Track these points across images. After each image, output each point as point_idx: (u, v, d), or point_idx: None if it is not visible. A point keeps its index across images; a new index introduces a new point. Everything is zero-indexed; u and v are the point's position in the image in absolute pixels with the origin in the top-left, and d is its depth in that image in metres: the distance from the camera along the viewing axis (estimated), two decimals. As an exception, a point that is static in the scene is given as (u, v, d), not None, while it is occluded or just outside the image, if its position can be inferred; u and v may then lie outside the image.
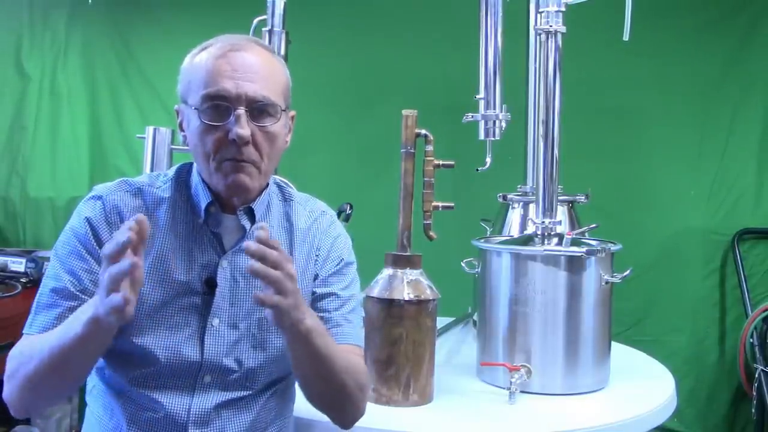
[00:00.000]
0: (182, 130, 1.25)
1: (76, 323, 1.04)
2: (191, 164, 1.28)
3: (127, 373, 1.19)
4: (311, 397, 1.24)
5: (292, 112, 1.29)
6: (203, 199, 1.22)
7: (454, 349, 2.12)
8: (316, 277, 1.31)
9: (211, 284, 1.21)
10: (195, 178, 1.26)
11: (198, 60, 1.19)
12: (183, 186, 1.27)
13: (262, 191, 1.27)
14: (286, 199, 1.35)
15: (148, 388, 1.18)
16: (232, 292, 1.23)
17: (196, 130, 1.18)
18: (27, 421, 2.83)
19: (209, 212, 1.23)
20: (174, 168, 1.30)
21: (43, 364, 1.08)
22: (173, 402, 1.18)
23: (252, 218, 1.25)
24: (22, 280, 2.75)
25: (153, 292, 1.19)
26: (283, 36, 2.08)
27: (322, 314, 1.28)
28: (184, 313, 1.20)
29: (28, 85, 3.19)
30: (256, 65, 1.18)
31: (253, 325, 1.23)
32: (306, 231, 1.32)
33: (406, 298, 1.56)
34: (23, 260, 2.81)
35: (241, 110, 1.15)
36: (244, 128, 1.15)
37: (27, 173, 3.18)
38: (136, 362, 1.18)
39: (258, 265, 1.02)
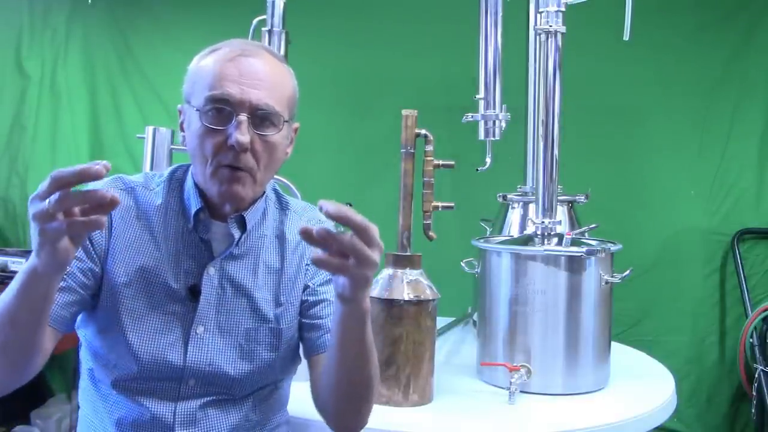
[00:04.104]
0: (182, 130, 1.23)
1: (18, 275, 1.00)
2: (187, 166, 1.26)
3: (111, 376, 1.18)
4: (337, 388, 1.19)
5: (296, 124, 1.26)
6: (194, 205, 1.21)
7: (454, 349, 2.12)
8: (306, 288, 1.28)
9: (194, 291, 1.20)
10: (189, 182, 1.24)
11: (206, 62, 1.17)
12: (176, 189, 1.25)
13: (256, 200, 1.24)
14: (282, 207, 1.32)
15: (133, 392, 1.18)
16: (219, 299, 1.21)
17: (196, 132, 1.16)
18: (27, 421, 2.84)
19: (199, 218, 1.21)
20: (169, 169, 1.29)
21: None
22: (159, 404, 1.18)
23: (243, 227, 1.22)
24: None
25: (139, 295, 1.18)
26: (283, 36, 2.08)
27: (315, 321, 1.27)
28: (169, 318, 1.19)
29: (28, 84, 3.19)
30: (263, 72, 1.16)
31: (241, 335, 1.22)
32: (298, 241, 1.29)
33: (406, 298, 1.56)
34: (23, 260, 2.81)
35: (243, 116, 1.13)
36: (244, 135, 1.12)
37: (27, 173, 3.18)
38: (120, 365, 1.17)
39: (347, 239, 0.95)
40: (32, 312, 1.03)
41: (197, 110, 1.15)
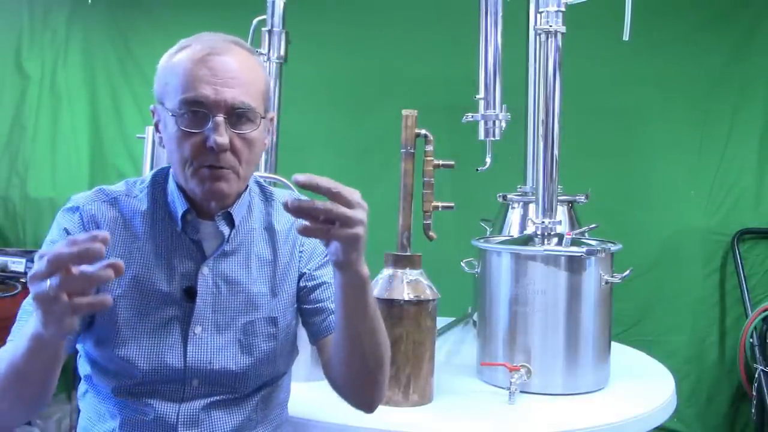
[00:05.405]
0: (158, 131, 1.21)
1: (23, 338, 1.00)
2: (168, 169, 1.25)
3: (111, 384, 1.18)
4: (349, 364, 1.19)
5: (271, 114, 1.25)
6: (179, 207, 1.20)
7: (454, 349, 2.12)
8: (302, 275, 1.28)
9: (190, 293, 1.19)
10: (171, 185, 1.23)
11: (176, 61, 1.15)
12: (160, 193, 1.24)
13: (240, 194, 1.24)
14: (267, 198, 1.32)
15: (136, 395, 1.18)
16: (214, 298, 1.21)
17: (172, 136, 1.14)
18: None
19: (186, 220, 1.20)
20: (151, 173, 1.28)
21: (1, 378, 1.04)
22: (162, 405, 1.18)
23: (231, 223, 1.22)
24: (22, 280, 2.75)
25: (135, 305, 1.17)
26: (283, 36, 2.08)
27: (317, 305, 1.27)
28: (166, 322, 1.19)
29: (28, 84, 3.19)
30: (235, 70, 1.14)
31: (239, 330, 1.22)
32: (288, 230, 1.29)
33: (406, 298, 1.57)
34: (23, 260, 2.81)
35: (220, 117, 1.12)
36: (222, 136, 1.11)
37: (27, 173, 3.18)
38: (121, 373, 1.17)
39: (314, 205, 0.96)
40: (44, 370, 1.04)
41: (172, 115, 1.14)
